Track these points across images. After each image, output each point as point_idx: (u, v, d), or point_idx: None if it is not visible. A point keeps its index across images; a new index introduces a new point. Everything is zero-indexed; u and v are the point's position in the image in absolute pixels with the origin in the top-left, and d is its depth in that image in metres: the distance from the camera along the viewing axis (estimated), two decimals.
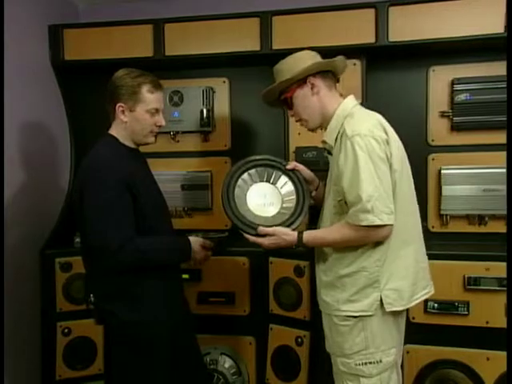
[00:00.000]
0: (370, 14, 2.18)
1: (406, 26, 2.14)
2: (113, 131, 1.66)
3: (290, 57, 1.61)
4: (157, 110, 1.64)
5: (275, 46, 2.27)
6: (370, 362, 1.51)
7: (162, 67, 2.47)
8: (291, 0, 2.34)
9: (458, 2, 2.10)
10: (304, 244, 1.55)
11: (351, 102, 1.59)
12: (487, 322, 2.00)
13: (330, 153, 1.63)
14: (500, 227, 2.23)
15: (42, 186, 2.45)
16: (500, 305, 1.98)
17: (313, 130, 1.66)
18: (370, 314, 1.50)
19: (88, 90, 2.62)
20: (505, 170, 2.17)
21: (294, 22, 2.25)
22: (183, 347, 1.74)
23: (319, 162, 2.27)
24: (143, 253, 1.54)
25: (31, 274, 2.33)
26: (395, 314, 1.52)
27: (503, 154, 2.18)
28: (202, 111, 2.47)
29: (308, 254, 2.11)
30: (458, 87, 2.24)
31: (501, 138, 2.20)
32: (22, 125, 2.29)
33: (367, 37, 2.17)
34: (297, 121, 1.67)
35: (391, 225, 1.42)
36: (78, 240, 2.34)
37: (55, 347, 2.28)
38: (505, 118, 2.18)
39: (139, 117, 1.61)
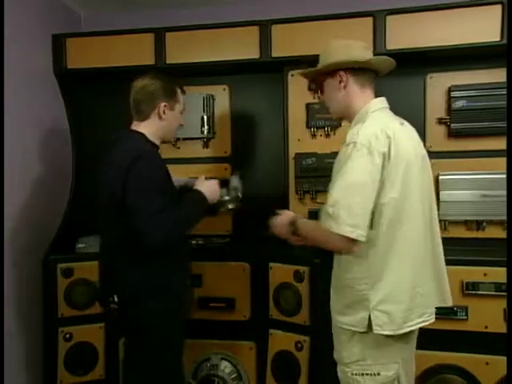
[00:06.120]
0: (367, 22, 2.21)
1: (404, 35, 2.18)
2: (142, 129, 1.72)
3: (335, 43, 1.57)
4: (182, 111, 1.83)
5: (274, 54, 2.30)
6: (368, 374, 1.46)
7: None
8: (290, 9, 2.38)
9: (455, 11, 2.14)
10: (297, 227, 1.55)
11: (375, 106, 1.53)
12: (486, 327, 2.00)
13: None
14: (497, 233, 2.24)
15: (44, 193, 2.47)
16: (499, 310, 1.99)
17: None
18: (360, 330, 1.45)
19: (90, 97, 2.66)
20: (502, 176, 2.18)
21: (293, 30, 2.28)
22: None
23: (318, 168, 2.30)
24: (180, 225, 1.63)
25: (33, 280, 2.35)
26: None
27: (501, 160, 2.20)
28: (202, 118, 2.51)
29: (308, 260, 2.13)
30: (455, 94, 2.26)
31: (498, 144, 2.23)
32: (24, 133, 2.32)
33: None
34: (325, 107, 1.66)
35: (353, 239, 1.35)
36: (79, 246, 2.37)
37: (57, 352, 2.29)
38: (502, 124, 2.19)
39: (176, 115, 1.77)
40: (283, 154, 2.38)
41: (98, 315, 2.33)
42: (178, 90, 1.77)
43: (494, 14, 2.08)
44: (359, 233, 1.35)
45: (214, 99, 2.57)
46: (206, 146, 2.61)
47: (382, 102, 1.56)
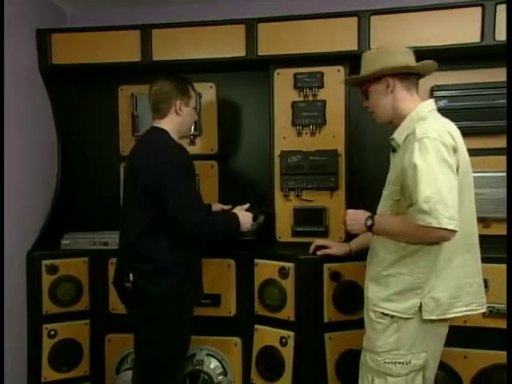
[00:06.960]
0: (352, 22, 2.24)
1: (387, 35, 2.20)
2: (163, 125, 1.88)
3: (378, 50, 1.66)
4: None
5: (260, 53, 2.32)
6: (400, 362, 1.56)
7: (149, 72, 2.47)
8: (276, 8, 2.40)
9: (437, 13, 2.18)
10: (373, 223, 1.59)
11: (428, 107, 1.60)
12: (465, 321, 2.04)
13: (394, 150, 1.66)
14: (479, 229, 2.28)
15: (28, 189, 2.46)
16: None
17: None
18: (406, 317, 1.54)
19: (75, 94, 2.65)
20: (483, 174, 2.23)
21: (279, 29, 2.30)
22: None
23: (303, 165, 2.33)
24: (214, 229, 1.86)
25: (17, 276, 2.33)
26: (432, 321, 1.55)
27: (481, 159, 2.24)
28: None
29: (292, 256, 2.15)
30: (437, 94, 2.31)
31: (479, 143, 2.27)
32: (8, 129, 2.30)
33: (350, 44, 2.24)
34: (370, 112, 1.71)
35: (452, 230, 1.41)
36: (65, 242, 2.36)
37: (41, 349, 2.29)
38: (482, 124, 2.26)
39: (191, 111, 1.95)
40: (269, 151, 2.39)
41: (83, 312, 2.34)
42: (190, 88, 1.94)
43: (475, 16, 2.13)
44: (455, 223, 1.41)
45: (200, 97, 2.57)
46: (192, 143, 2.61)
47: (433, 103, 1.64)
